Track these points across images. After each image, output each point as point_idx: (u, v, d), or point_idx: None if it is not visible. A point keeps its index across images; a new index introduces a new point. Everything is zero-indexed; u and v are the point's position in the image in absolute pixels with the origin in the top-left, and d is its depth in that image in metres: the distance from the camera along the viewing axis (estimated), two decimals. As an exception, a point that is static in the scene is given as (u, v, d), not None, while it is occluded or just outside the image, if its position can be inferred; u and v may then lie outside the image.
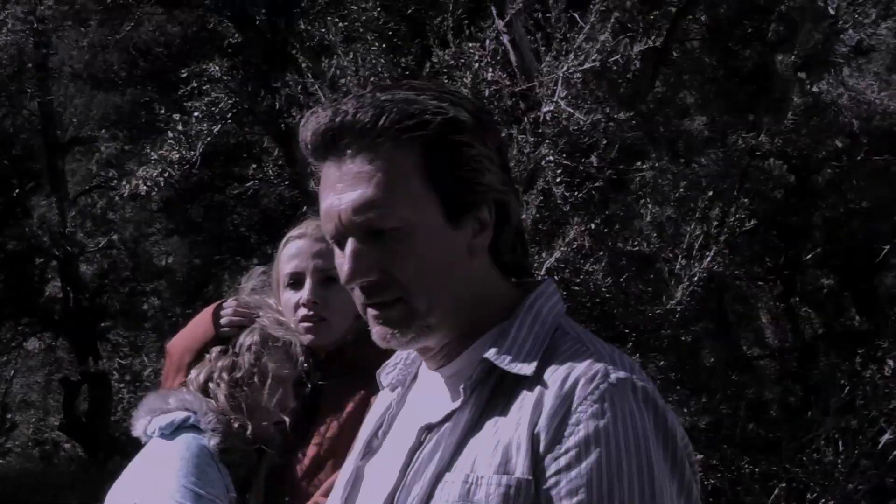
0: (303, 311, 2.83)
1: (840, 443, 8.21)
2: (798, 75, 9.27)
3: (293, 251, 2.89)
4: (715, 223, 6.26)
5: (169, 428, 2.73)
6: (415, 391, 1.85)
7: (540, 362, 1.64)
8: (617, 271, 6.15)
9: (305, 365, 2.83)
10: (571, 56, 6.06)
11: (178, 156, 7.66)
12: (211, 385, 2.80)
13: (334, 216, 1.66)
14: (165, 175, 7.62)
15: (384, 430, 1.85)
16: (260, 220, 12.36)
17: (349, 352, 2.86)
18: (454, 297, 1.70)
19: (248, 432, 2.76)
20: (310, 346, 2.85)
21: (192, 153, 7.72)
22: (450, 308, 1.70)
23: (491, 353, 1.65)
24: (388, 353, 2.73)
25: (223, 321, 2.84)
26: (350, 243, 1.66)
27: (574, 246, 6.02)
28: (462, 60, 6.65)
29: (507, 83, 6.28)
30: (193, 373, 2.83)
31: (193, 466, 2.64)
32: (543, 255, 6.08)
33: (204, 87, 7.89)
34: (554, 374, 1.61)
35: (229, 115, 8.03)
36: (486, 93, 6.75)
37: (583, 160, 6.34)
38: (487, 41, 6.67)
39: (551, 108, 6.25)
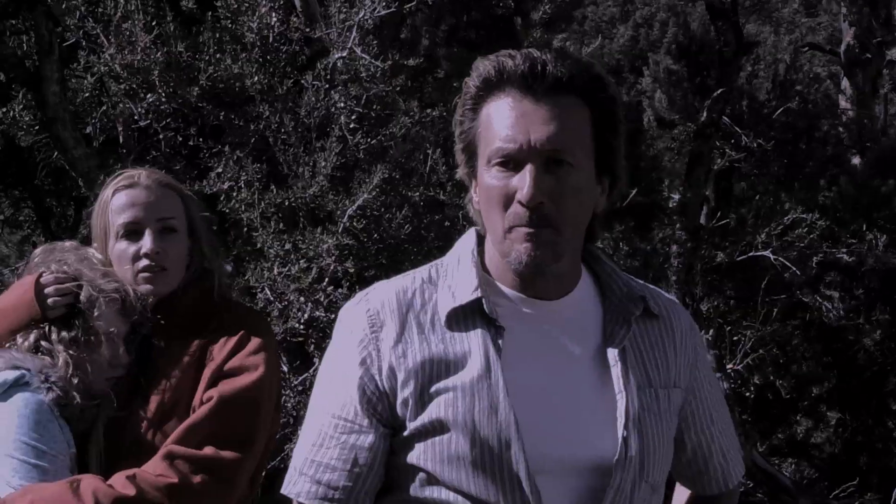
0: (144, 262, 2.76)
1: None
2: (542, 31, 9.67)
3: (125, 201, 2.79)
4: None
5: (2, 388, 2.62)
6: (521, 327, 1.99)
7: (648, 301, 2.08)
8: (416, 216, 6.24)
9: (137, 315, 2.76)
10: (368, 2, 6.04)
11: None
12: (44, 344, 2.70)
13: (521, 140, 1.89)
14: None
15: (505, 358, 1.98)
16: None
17: (183, 300, 2.82)
18: (579, 237, 2.00)
19: (84, 389, 2.68)
20: (146, 295, 2.77)
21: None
22: (574, 244, 1.99)
23: (646, 296, 2.06)
24: (211, 304, 2.83)
25: (50, 301, 2.70)
26: (531, 168, 1.88)
27: (373, 193, 6.04)
28: (247, 5, 6.49)
29: (306, 29, 6.18)
30: (20, 338, 2.72)
31: (34, 423, 2.57)
32: (346, 202, 6.07)
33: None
34: (664, 306, 2.09)
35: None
36: (271, 38, 6.63)
37: (375, 107, 6.37)
38: (272, -15, 6.54)
39: (344, 54, 6.23)
